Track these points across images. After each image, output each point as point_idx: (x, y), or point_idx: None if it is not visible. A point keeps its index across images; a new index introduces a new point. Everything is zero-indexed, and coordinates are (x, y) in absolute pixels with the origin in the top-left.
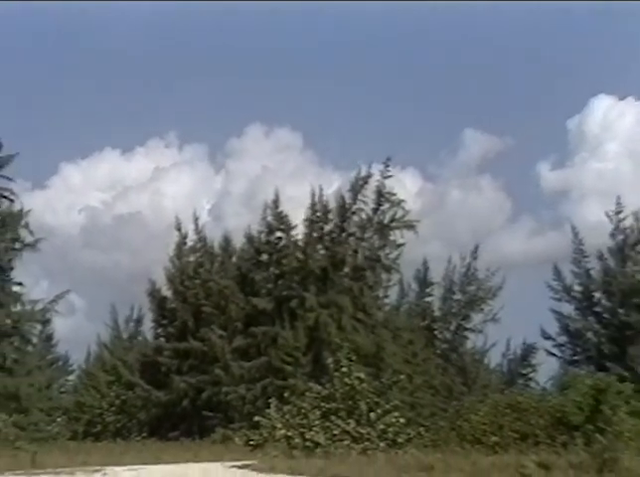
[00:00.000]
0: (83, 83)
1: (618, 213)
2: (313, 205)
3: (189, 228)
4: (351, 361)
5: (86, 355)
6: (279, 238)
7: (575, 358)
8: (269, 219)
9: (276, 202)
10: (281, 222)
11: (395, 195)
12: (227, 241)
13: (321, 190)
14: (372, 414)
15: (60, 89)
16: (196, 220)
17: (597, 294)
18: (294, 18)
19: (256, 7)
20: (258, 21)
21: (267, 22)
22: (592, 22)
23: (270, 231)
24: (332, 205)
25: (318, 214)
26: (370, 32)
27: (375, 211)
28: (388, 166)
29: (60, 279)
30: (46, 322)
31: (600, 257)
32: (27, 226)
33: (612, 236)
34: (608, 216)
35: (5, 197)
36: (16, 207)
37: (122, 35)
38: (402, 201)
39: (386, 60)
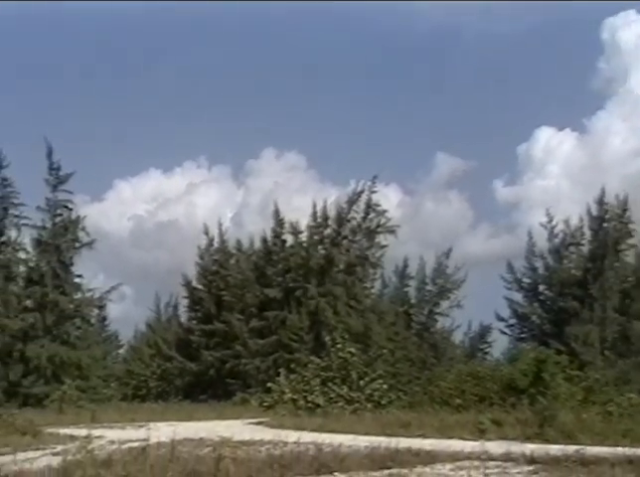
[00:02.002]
0: (134, 115)
1: (549, 222)
2: (314, 214)
3: (215, 232)
4: (344, 339)
5: (134, 333)
6: (284, 240)
7: (522, 336)
8: (277, 226)
9: (277, 213)
10: (286, 227)
11: (379, 206)
12: (240, 244)
13: (324, 201)
14: (361, 381)
15: (115, 119)
16: (220, 226)
17: (541, 285)
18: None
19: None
20: (267, 62)
21: (278, 63)
22: (536, 65)
23: (278, 235)
24: (330, 214)
25: (318, 221)
26: (359, 75)
27: (364, 219)
28: (374, 182)
29: (113, 273)
30: (102, 307)
31: (542, 256)
32: (84, 228)
33: (548, 240)
34: (542, 225)
35: (66, 207)
36: (75, 215)
37: (162, 75)
38: (386, 211)
39: (373, 94)
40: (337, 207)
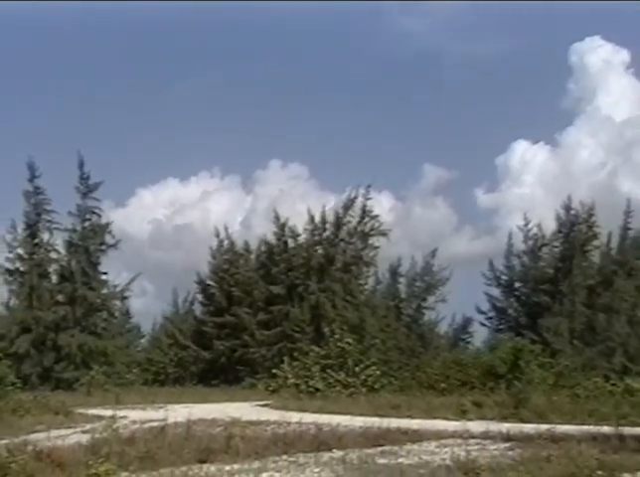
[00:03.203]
0: (155, 129)
1: (526, 225)
2: (314, 218)
3: (226, 235)
4: (341, 330)
5: (153, 325)
6: (287, 242)
7: (500, 327)
8: (280, 229)
9: (278, 218)
10: (288, 231)
11: (372, 211)
12: (248, 246)
13: (323, 207)
14: (356, 368)
15: (138, 133)
16: (229, 229)
17: (517, 282)
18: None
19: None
20: (274, 80)
21: (283, 82)
22: (512, 85)
23: (281, 237)
24: (328, 218)
25: (318, 224)
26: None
27: (359, 222)
28: (368, 190)
29: (135, 271)
30: (125, 300)
31: (518, 256)
32: (110, 232)
33: (524, 241)
34: (519, 228)
35: (94, 212)
36: (102, 220)
37: (179, 93)
38: (378, 215)
39: (368, 112)
40: (335, 212)
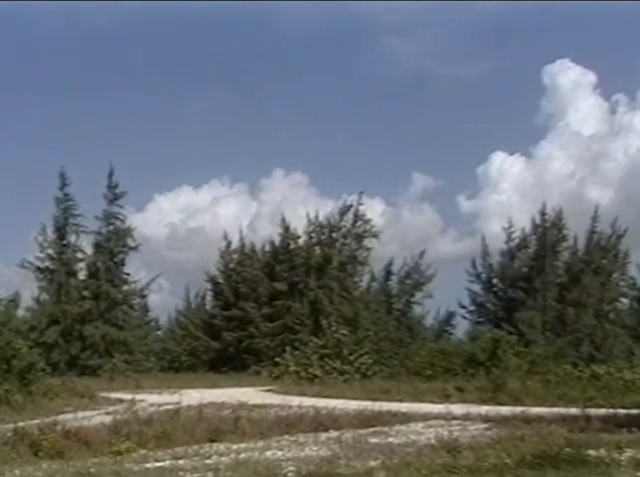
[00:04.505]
0: (172, 141)
1: (509, 228)
2: (313, 222)
3: (234, 237)
4: (338, 323)
5: (169, 318)
6: (289, 243)
7: (480, 320)
8: (284, 232)
9: (284, 221)
10: (290, 233)
11: (365, 215)
12: (253, 247)
13: (317, 212)
14: (351, 357)
15: (156, 145)
16: (240, 232)
17: (495, 279)
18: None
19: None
20: (276, 99)
21: (284, 101)
22: (492, 102)
23: (284, 239)
24: (326, 222)
25: (317, 227)
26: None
27: (353, 225)
28: (361, 197)
29: (153, 269)
30: (144, 296)
31: (497, 256)
32: (132, 236)
33: (506, 243)
34: (505, 228)
35: (118, 218)
36: (125, 225)
37: (193, 109)
38: (370, 219)
39: (362, 127)
40: (332, 216)
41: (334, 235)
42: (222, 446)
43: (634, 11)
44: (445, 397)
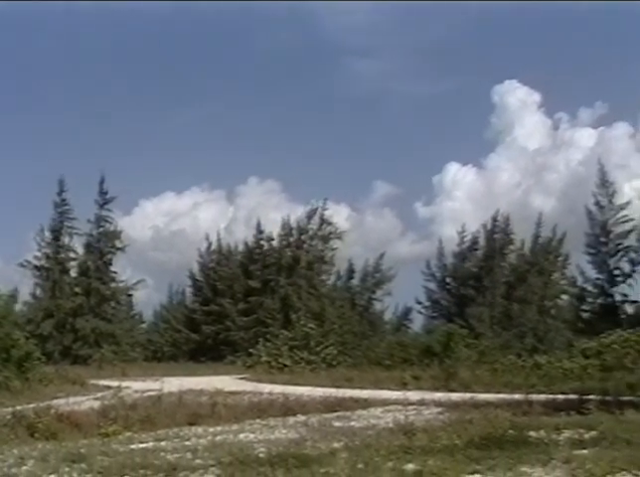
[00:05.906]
0: (156, 150)
1: (462, 232)
2: (284, 225)
3: (212, 239)
4: (306, 317)
5: (153, 312)
6: (262, 245)
7: (434, 315)
8: (257, 234)
9: (259, 225)
10: (263, 236)
11: (330, 219)
12: (230, 248)
13: (288, 217)
14: (317, 348)
15: (142, 153)
16: (217, 234)
17: (448, 278)
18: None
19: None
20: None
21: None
22: (446, 117)
23: (258, 241)
24: (295, 225)
25: (287, 230)
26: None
27: (319, 228)
28: (326, 202)
29: (138, 268)
30: (130, 295)
31: (451, 257)
32: (119, 238)
33: (458, 245)
34: (458, 232)
35: (107, 221)
36: (114, 227)
37: (178, 119)
38: (334, 222)
39: (331, 138)
40: (301, 220)
41: (302, 237)
42: (200, 429)
43: (575, 37)
44: (403, 385)
